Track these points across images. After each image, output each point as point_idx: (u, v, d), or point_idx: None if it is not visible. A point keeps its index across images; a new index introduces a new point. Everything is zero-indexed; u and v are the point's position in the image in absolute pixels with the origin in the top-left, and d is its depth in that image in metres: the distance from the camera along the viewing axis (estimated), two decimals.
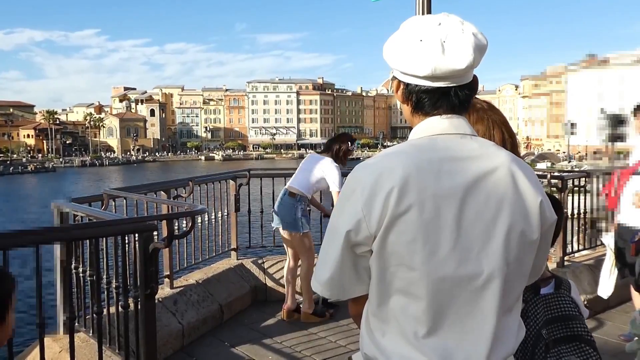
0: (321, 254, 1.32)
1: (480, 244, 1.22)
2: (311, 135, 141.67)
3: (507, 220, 1.23)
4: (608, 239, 4.44)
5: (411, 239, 1.19)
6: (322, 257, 1.31)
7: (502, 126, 2.00)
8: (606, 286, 4.39)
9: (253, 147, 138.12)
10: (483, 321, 1.23)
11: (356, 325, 1.42)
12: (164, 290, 4.67)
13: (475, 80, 1.32)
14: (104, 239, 3.52)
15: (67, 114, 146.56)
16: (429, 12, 4.45)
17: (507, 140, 2.04)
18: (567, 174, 6.22)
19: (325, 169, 4.91)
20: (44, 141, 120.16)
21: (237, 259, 5.82)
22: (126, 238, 3.35)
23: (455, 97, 1.28)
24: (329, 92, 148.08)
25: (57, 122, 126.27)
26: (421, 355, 1.22)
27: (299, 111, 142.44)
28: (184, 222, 4.61)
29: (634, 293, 4.20)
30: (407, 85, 1.31)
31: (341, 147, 5.03)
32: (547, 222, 1.30)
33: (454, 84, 1.27)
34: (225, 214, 5.79)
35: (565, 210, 5.44)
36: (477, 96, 1.55)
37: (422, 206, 1.18)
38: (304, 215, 4.93)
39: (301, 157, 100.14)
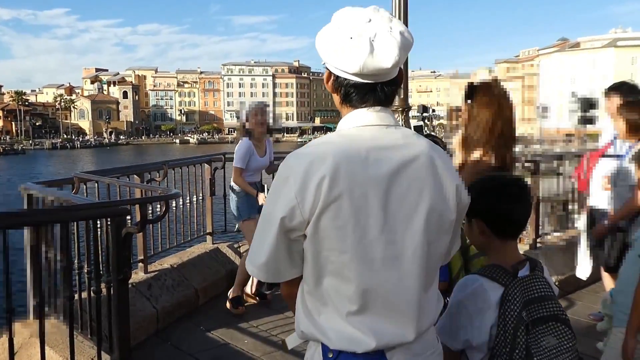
0: (256, 239, 1.39)
1: (404, 226, 1.32)
2: (287, 119, 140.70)
3: (427, 203, 1.34)
4: (581, 221, 4.52)
5: (342, 224, 1.27)
6: (257, 242, 1.37)
7: (506, 120, 2.09)
8: (584, 267, 4.46)
9: (229, 131, 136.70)
10: (409, 297, 1.35)
11: (288, 306, 1.50)
12: (137, 275, 4.62)
13: (400, 75, 1.41)
14: (75, 223, 3.45)
15: (36, 95, 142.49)
16: None
17: (506, 134, 2.11)
18: (539, 157, 6.32)
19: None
20: (13, 123, 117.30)
21: (213, 243, 5.80)
22: (98, 222, 3.29)
23: (382, 92, 1.38)
24: (305, 75, 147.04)
25: (26, 103, 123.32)
26: (355, 330, 1.32)
27: (275, 94, 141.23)
28: (158, 206, 4.55)
29: (603, 274, 4.28)
30: (337, 77, 1.39)
31: (244, 124, 4.91)
32: (462, 203, 1.44)
33: (380, 81, 1.37)
34: (200, 198, 5.74)
35: (537, 194, 5.52)
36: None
37: (352, 193, 1.27)
38: (241, 203, 4.86)
39: (277, 141, 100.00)
